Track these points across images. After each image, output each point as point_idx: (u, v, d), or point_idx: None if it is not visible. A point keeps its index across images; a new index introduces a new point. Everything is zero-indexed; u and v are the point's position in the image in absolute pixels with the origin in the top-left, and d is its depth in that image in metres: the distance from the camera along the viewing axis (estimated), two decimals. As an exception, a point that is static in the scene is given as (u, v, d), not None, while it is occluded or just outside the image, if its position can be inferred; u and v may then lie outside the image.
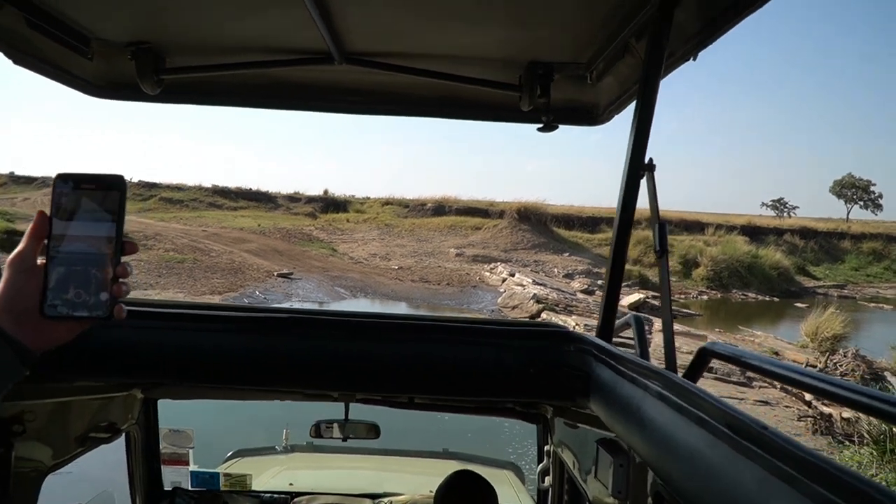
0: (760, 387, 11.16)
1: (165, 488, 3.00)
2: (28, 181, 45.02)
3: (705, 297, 29.59)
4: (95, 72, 2.13)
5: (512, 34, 1.83)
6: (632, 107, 1.66)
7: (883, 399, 0.84)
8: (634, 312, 1.84)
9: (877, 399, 0.85)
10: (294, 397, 2.21)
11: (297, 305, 16.73)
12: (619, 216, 1.68)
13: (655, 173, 1.63)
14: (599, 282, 27.46)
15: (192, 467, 3.21)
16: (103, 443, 2.10)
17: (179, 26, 1.89)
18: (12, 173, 46.91)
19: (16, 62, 1.82)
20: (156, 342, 1.50)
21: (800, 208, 68.96)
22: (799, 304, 28.85)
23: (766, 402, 10.27)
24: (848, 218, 66.00)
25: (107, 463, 2.83)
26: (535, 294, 19.44)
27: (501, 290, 23.74)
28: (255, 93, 2.29)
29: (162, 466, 2.91)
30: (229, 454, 4.39)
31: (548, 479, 2.46)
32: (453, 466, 2.70)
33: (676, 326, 18.37)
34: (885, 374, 12.69)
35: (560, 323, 2.08)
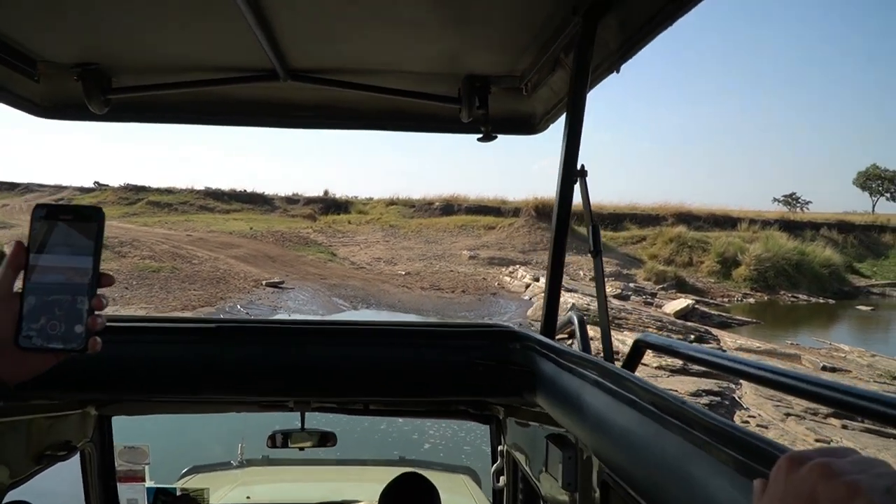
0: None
1: None
2: (10, 187, 42.24)
3: (751, 301, 26.29)
4: (42, 93, 2.15)
5: (449, 49, 1.90)
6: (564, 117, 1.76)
7: (827, 385, 0.83)
8: (576, 311, 1.85)
9: (823, 387, 0.84)
10: (249, 408, 2.37)
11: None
12: (556, 219, 1.78)
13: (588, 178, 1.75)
14: (632, 284, 24.31)
15: (149, 483, 3.23)
16: (59, 461, 2.15)
17: (125, 47, 1.92)
18: (-6, 179, 44.07)
19: None
20: (106, 357, 1.30)
21: (813, 203, 65.59)
22: (862, 307, 25.57)
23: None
24: (874, 210, 62.57)
25: (63, 481, 2.69)
26: (573, 304, 16.22)
27: (526, 297, 20.59)
28: (203, 110, 2.32)
29: (118, 484, 2.88)
30: (185, 470, 4.28)
31: (502, 479, 2.53)
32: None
33: (740, 341, 15.82)
34: None
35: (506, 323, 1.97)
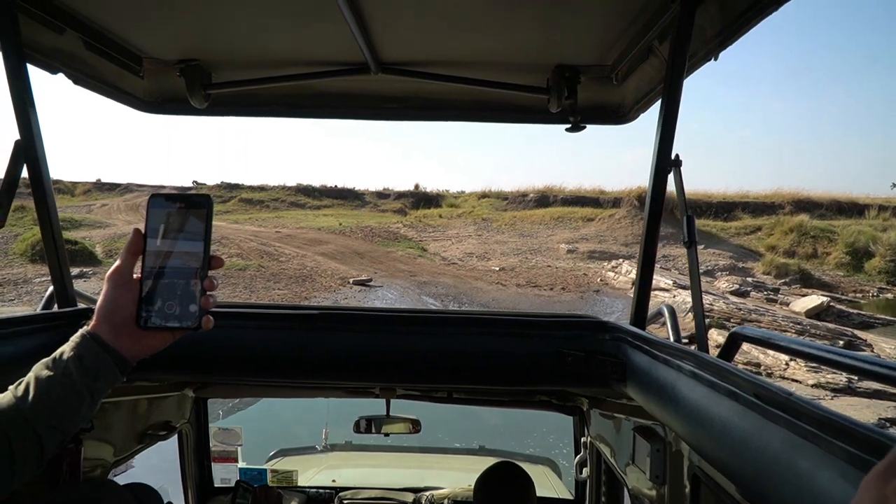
0: None
1: (215, 485, 3.17)
2: (112, 188, 43.49)
3: (888, 296, 23.30)
4: (147, 89, 2.26)
5: (539, 39, 1.91)
6: (657, 105, 1.72)
7: None
8: (667, 304, 1.97)
9: None
10: (337, 394, 2.54)
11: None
12: (649, 210, 1.76)
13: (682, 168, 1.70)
14: (750, 279, 21.93)
15: (241, 464, 3.39)
16: (160, 440, 2.32)
17: (226, 43, 2.01)
18: (98, 180, 45.53)
19: (75, 82, 1.99)
20: (205, 340, 1.55)
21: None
22: None
23: None
24: None
25: (158, 460, 2.94)
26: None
27: (632, 294, 18.62)
28: (297, 103, 2.40)
29: (212, 463, 3.05)
30: (272, 453, 4.45)
31: (585, 471, 2.58)
32: (490, 462, 2.50)
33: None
34: None
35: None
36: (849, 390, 8.39)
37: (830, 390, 8.48)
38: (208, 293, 1.03)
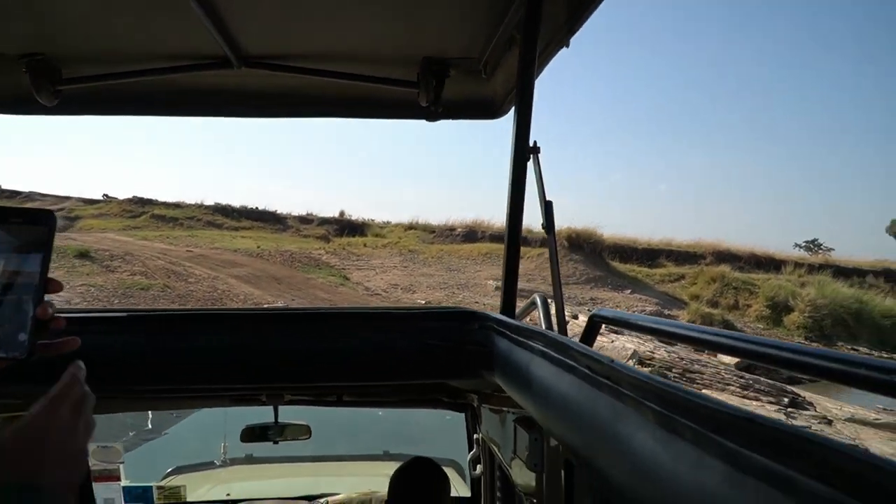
0: None
1: None
2: (12, 195, 40.37)
3: (807, 351, 23.51)
4: None
5: (405, 31, 1.90)
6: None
7: (788, 349, 0.79)
8: (540, 293, 1.88)
9: (786, 350, 0.79)
10: (222, 402, 2.37)
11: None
12: (511, 198, 1.80)
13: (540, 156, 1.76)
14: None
15: (125, 482, 3.25)
16: None
17: (74, 36, 1.89)
18: (-4, 186, 42.33)
19: None
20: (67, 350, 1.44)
21: (835, 250, 61.95)
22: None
23: None
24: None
25: None
26: (634, 351, 13.55)
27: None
28: (157, 100, 2.28)
29: (93, 483, 2.88)
30: (169, 470, 4.34)
31: (479, 467, 2.60)
32: (393, 467, 2.47)
33: (848, 409, 12.88)
34: None
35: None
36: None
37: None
38: (57, 315, 0.93)
